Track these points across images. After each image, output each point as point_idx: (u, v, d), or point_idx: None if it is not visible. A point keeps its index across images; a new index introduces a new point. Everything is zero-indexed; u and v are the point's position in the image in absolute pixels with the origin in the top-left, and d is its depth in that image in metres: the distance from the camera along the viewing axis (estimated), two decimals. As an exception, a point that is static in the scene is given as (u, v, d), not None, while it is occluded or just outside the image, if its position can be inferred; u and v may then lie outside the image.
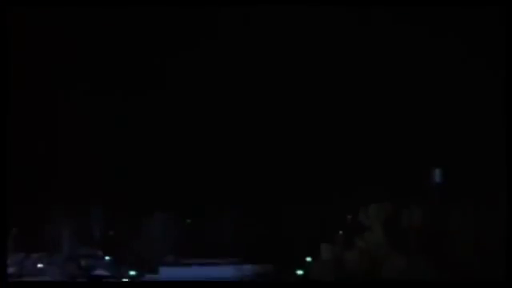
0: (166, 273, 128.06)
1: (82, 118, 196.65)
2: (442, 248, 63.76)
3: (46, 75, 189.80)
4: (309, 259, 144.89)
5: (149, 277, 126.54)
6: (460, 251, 58.42)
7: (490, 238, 54.57)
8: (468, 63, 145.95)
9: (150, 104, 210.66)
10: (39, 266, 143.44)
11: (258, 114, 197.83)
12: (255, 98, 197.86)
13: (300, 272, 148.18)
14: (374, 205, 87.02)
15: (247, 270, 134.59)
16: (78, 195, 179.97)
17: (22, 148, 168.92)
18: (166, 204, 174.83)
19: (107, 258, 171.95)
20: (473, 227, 59.38)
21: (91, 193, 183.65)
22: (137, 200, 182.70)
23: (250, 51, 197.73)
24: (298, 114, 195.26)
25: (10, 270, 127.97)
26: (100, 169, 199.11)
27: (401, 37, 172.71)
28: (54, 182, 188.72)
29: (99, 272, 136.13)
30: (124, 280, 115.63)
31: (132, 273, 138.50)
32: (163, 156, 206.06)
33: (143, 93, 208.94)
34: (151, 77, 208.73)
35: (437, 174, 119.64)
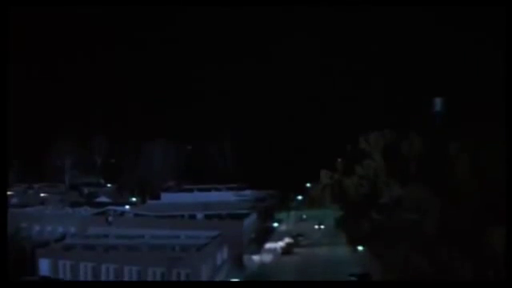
0: (168, 198, 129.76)
1: (82, 46, 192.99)
2: (442, 176, 64.17)
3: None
4: (308, 185, 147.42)
5: (150, 202, 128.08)
6: (459, 179, 58.79)
7: (490, 166, 54.72)
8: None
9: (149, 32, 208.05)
10: (42, 195, 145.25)
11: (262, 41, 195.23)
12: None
13: (300, 197, 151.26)
14: (374, 132, 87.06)
15: (247, 195, 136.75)
16: (78, 124, 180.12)
17: (23, 80, 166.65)
18: (166, 130, 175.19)
19: (109, 185, 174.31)
20: (472, 155, 59.52)
21: (92, 121, 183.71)
22: (137, 127, 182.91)
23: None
24: (302, 40, 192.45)
25: (14, 200, 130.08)
26: (100, 97, 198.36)
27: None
28: (54, 112, 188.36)
29: (102, 199, 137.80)
30: (126, 206, 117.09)
31: (133, 199, 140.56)
32: (163, 82, 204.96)
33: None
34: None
35: (437, 103, 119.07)
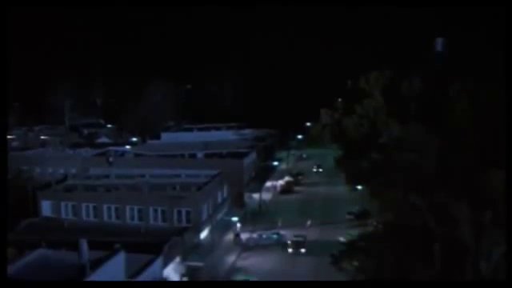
0: (168, 138, 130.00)
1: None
2: (441, 116, 63.89)
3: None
4: (308, 124, 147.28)
5: (150, 142, 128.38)
6: (459, 120, 58.48)
7: (489, 108, 54.39)
8: None
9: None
10: (42, 137, 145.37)
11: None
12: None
13: (300, 136, 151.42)
14: (374, 72, 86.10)
15: (247, 133, 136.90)
16: (77, 64, 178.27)
17: (22, 23, 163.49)
18: (165, 70, 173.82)
19: (109, 125, 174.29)
20: (472, 96, 59.06)
21: (91, 62, 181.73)
22: (136, 67, 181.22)
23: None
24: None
25: (14, 143, 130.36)
26: (99, 37, 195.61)
27: None
28: (53, 54, 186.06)
29: (102, 140, 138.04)
30: (127, 147, 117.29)
31: (134, 139, 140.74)
32: (162, 21, 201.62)
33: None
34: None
35: (438, 43, 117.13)
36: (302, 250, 70.14)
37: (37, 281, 36.08)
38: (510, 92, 44.68)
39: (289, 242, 71.53)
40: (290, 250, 70.55)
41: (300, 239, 72.12)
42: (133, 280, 47.43)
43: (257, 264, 67.34)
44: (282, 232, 76.52)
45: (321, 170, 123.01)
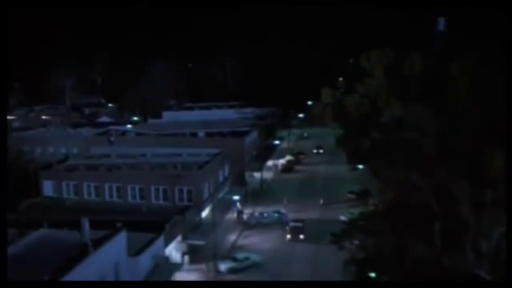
0: (169, 117, 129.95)
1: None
2: (442, 96, 63.51)
3: None
4: (309, 103, 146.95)
5: (151, 121, 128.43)
6: (460, 99, 58.09)
7: (490, 88, 54.07)
8: None
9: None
10: (43, 117, 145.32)
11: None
12: None
13: (301, 115, 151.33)
14: (375, 50, 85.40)
15: (248, 112, 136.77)
16: (78, 45, 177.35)
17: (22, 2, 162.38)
18: (166, 49, 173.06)
19: (110, 105, 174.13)
20: (473, 75, 58.60)
21: (91, 41, 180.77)
22: (137, 46, 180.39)
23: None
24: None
25: (16, 123, 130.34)
26: (98, 16, 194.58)
27: None
28: (53, 34, 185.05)
29: (103, 119, 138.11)
30: (128, 126, 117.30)
31: (135, 118, 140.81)
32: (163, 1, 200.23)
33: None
34: None
35: (440, 23, 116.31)
36: (301, 237, 67.52)
37: (37, 281, 36.18)
38: (511, 72, 44.51)
39: (287, 228, 69.35)
40: (288, 237, 67.90)
41: (298, 225, 69.09)
42: (132, 280, 47.66)
43: (258, 242, 67.74)
44: (284, 211, 76.85)
45: (321, 151, 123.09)
